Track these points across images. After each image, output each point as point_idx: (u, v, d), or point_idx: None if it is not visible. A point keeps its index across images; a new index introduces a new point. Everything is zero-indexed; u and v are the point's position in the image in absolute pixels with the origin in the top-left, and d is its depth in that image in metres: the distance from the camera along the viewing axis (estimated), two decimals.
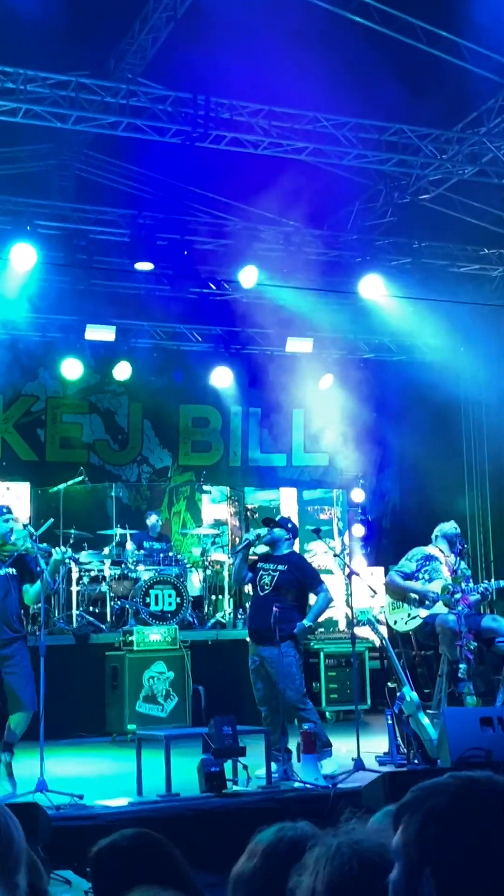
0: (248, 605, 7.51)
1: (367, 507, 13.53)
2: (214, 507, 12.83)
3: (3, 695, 6.66)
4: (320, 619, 8.43)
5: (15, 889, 1.71)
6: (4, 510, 6.97)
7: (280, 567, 7.44)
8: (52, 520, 8.28)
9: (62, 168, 11.00)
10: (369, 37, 8.52)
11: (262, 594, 7.32)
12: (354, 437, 13.34)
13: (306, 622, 7.34)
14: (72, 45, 8.55)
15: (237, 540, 12.37)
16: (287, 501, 13.17)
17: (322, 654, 10.70)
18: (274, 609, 7.02)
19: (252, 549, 7.69)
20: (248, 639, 7.48)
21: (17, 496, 11.45)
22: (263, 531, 7.56)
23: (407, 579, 7.75)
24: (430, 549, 7.87)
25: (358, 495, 13.49)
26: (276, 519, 7.91)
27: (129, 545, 10.93)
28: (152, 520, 11.62)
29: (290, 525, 7.74)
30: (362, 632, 10.58)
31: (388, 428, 13.85)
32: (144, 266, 11.00)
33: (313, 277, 11.50)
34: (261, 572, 7.39)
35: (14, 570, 6.78)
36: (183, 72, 9.03)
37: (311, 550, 11.62)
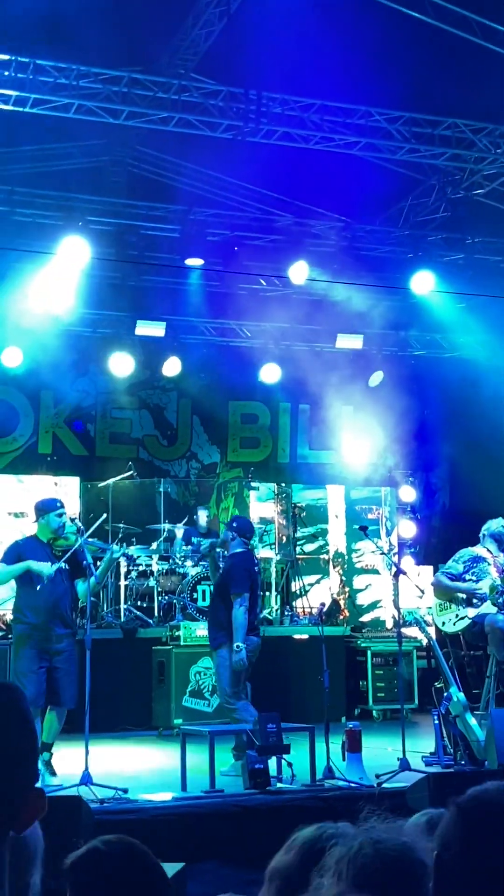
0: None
1: (416, 506, 13.44)
2: (262, 504, 12.84)
3: (49, 686, 6.70)
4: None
5: (26, 889, 1.65)
6: (58, 504, 7.00)
7: (221, 571, 7.46)
8: (104, 515, 8.35)
9: (114, 164, 11.05)
10: (423, 31, 8.43)
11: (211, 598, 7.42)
12: (404, 434, 13.24)
13: (235, 645, 7.27)
14: (124, 40, 8.58)
15: (284, 538, 12.39)
16: (334, 500, 13.16)
17: (369, 653, 10.66)
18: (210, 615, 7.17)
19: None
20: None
21: (66, 491, 11.58)
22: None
23: (454, 581, 7.67)
24: (478, 550, 7.79)
25: (407, 494, 13.41)
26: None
27: (180, 533, 10.93)
28: (201, 516, 11.65)
29: (233, 525, 7.67)
30: (410, 631, 10.54)
31: (439, 426, 13.73)
32: (195, 262, 11.02)
33: (364, 273, 11.43)
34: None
35: (67, 566, 6.82)
36: (235, 67, 9.02)
37: (358, 549, 11.58)
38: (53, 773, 6.66)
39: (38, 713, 6.44)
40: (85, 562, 6.61)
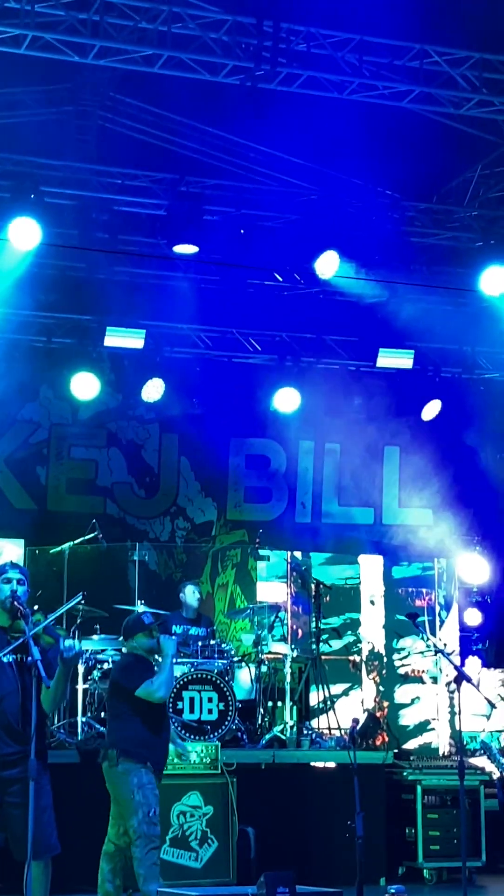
0: (159, 722, 7.59)
1: (485, 586, 13.39)
2: (273, 582, 12.82)
3: (9, 832, 6.58)
4: None
5: None
6: (8, 567, 6.91)
7: None
8: (78, 596, 8.33)
9: (80, 117, 11.17)
10: None
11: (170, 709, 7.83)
12: (469, 485, 13.23)
13: None
14: None
15: (300, 630, 12.33)
16: (370, 578, 13.08)
17: (419, 789, 10.56)
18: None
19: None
20: (151, 766, 7.49)
21: (6, 558, 11.56)
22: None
23: None
24: None
25: (473, 568, 13.36)
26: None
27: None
28: (189, 594, 11.62)
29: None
30: (477, 761, 10.46)
31: None
32: (186, 250, 11.09)
33: (416, 268, 11.49)
34: None
35: (20, 657, 6.70)
36: None
37: (402, 649, 11.57)
38: None
39: None
40: (30, 658, 6.53)
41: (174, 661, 7.60)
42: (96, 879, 8.34)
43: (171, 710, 10.01)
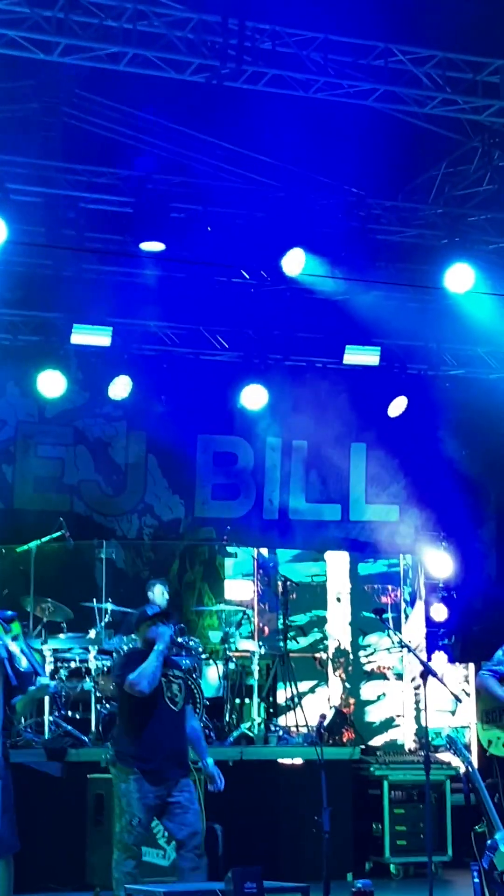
0: (146, 722, 7.29)
1: (451, 581, 13.46)
2: (241, 580, 12.85)
3: None
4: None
5: None
6: None
7: (179, 673, 7.65)
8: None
9: (45, 114, 11.15)
10: None
11: (174, 709, 7.40)
12: (435, 482, 13.29)
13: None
14: None
15: (266, 627, 12.35)
16: (336, 575, 13.13)
17: (386, 784, 10.63)
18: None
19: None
20: (139, 773, 7.20)
21: None
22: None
23: None
24: None
25: (439, 564, 13.43)
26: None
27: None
28: (157, 593, 11.63)
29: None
30: (443, 755, 10.52)
31: (485, 470, 13.78)
32: (153, 247, 11.10)
33: (382, 265, 11.53)
34: (166, 678, 7.44)
35: None
36: None
37: (368, 646, 11.59)
38: None
39: None
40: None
41: (163, 655, 7.34)
42: (62, 877, 8.37)
43: None
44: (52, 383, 11.83)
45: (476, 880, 7.24)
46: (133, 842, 7.22)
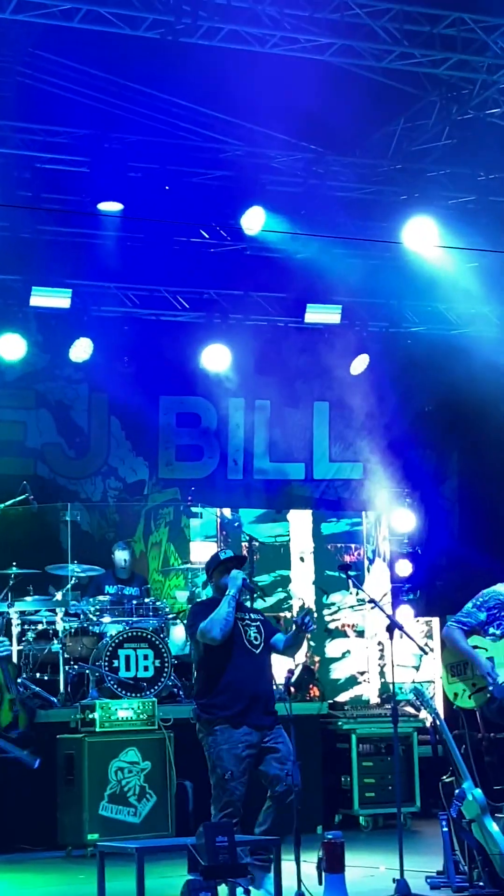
0: (226, 669, 7.05)
1: (415, 537, 13.54)
2: (206, 536, 12.85)
3: None
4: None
5: None
6: None
7: (256, 616, 7.46)
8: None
9: None
10: None
11: (255, 652, 7.27)
12: (399, 439, 13.33)
13: None
14: None
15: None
16: (299, 535, 13.14)
17: (354, 738, 10.70)
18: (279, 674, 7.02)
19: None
20: (223, 720, 7.02)
21: None
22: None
23: (472, 633, 7.70)
24: None
25: (403, 520, 13.50)
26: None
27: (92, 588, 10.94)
28: (118, 557, 11.63)
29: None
30: (410, 708, 10.61)
31: (446, 427, 13.84)
32: (111, 207, 11.02)
33: (342, 222, 11.50)
34: (242, 623, 7.31)
35: None
36: None
37: (332, 604, 11.61)
38: None
39: None
40: None
41: (235, 600, 7.09)
42: (34, 838, 8.36)
43: (106, 668, 10.06)
44: (11, 346, 11.77)
45: (444, 830, 7.33)
46: (231, 798, 6.96)
